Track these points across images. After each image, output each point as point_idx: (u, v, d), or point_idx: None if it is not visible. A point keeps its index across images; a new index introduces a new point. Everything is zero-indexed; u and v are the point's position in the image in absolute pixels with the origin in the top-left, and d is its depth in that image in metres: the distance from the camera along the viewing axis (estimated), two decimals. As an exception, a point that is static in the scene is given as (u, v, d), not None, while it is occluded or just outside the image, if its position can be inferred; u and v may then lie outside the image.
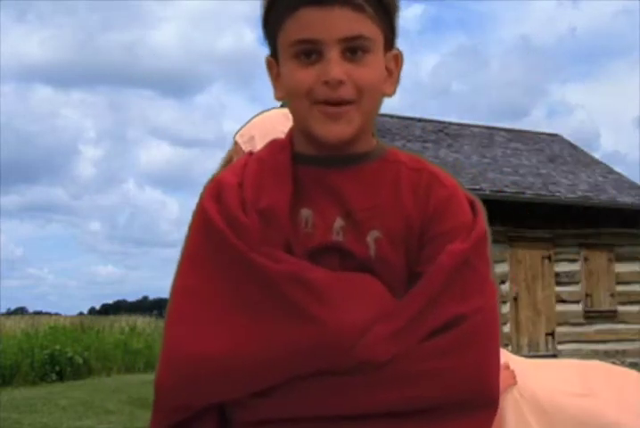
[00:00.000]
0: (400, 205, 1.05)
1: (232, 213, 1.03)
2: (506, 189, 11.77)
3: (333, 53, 1.01)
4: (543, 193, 11.90)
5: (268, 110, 2.38)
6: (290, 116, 2.31)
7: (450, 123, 14.91)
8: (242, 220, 1.02)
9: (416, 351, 0.95)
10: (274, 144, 1.15)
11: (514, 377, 2.04)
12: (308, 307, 0.95)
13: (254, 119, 2.18)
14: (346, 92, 1.02)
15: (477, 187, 11.48)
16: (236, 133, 2.12)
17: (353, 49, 1.02)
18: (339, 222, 1.04)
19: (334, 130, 1.03)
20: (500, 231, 11.45)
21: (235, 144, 2.14)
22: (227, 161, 2.20)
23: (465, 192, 1.12)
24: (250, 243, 1.00)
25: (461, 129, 14.64)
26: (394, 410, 0.96)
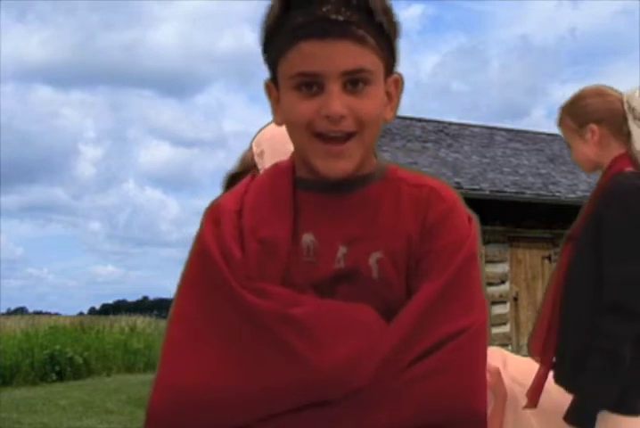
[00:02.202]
0: (401, 223, 1.05)
1: (226, 244, 1.03)
2: (506, 189, 11.76)
3: (335, 87, 1.00)
4: (543, 193, 11.89)
5: None
6: None
7: (450, 123, 14.89)
8: (233, 252, 1.02)
9: (406, 373, 0.95)
10: (276, 169, 1.14)
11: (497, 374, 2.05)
12: (293, 344, 0.95)
13: (268, 126, 2.14)
14: (347, 126, 1.01)
15: (477, 187, 11.47)
16: (256, 135, 2.03)
17: (354, 81, 1.01)
18: (342, 250, 1.04)
19: (336, 167, 1.03)
20: (500, 231, 11.45)
21: (250, 149, 2.09)
22: (242, 161, 2.16)
23: (464, 207, 1.11)
24: (239, 277, 1.00)
25: (461, 129, 14.63)
26: None
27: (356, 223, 1.05)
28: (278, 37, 1.03)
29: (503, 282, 11.56)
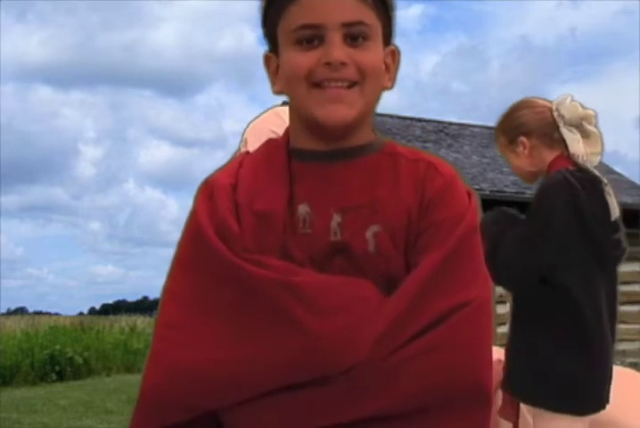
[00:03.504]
0: (400, 198, 1.03)
1: (222, 218, 1.02)
2: (506, 189, 11.77)
3: (336, 37, 1.01)
4: (543, 193, 11.90)
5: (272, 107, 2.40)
6: (281, 113, 2.36)
7: (450, 123, 14.90)
8: (230, 225, 1.01)
9: (404, 350, 0.93)
10: (269, 144, 1.14)
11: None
12: (295, 313, 0.94)
13: (254, 120, 2.19)
14: (348, 73, 1.02)
15: (477, 187, 11.47)
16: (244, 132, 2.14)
17: (354, 35, 1.02)
18: (336, 219, 1.03)
19: (336, 113, 1.02)
20: (500, 231, 11.44)
21: (239, 149, 2.16)
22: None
23: (463, 182, 1.12)
24: (238, 249, 0.99)
25: (461, 129, 14.63)
26: (386, 413, 0.94)
27: (352, 192, 1.04)
28: None
29: (503, 282, 11.56)
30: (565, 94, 2.05)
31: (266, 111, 2.45)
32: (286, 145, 1.10)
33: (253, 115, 2.36)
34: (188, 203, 1.12)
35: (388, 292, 0.98)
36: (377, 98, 1.08)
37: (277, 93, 1.11)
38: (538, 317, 1.91)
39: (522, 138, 2.05)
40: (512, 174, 12.65)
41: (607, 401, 1.89)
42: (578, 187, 1.90)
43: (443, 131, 14.17)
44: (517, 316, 2.00)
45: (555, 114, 2.00)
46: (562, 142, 2.00)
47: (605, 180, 1.98)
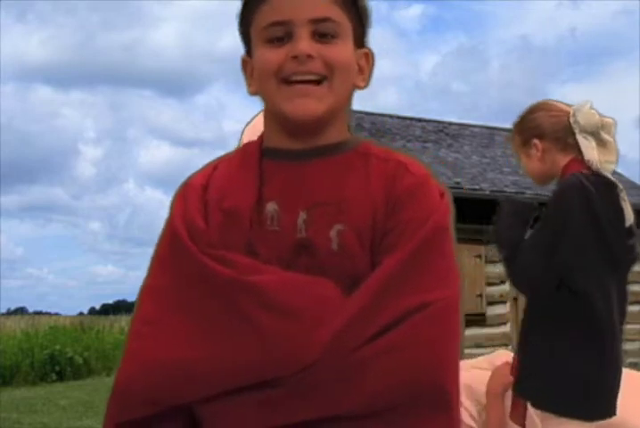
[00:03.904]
0: (368, 197, 1.03)
1: (189, 215, 1.04)
2: (506, 189, 11.76)
3: (303, 33, 1.03)
4: (543, 193, 11.88)
5: None
6: None
7: (450, 123, 14.89)
8: (196, 222, 1.03)
9: (365, 348, 0.93)
10: (245, 146, 1.16)
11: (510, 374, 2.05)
12: (252, 313, 0.94)
13: (249, 123, 2.24)
14: (315, 67, 1.03)
15: (477, 187, 11.47)
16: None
17: (322, 32, 1.05)
18: (302, 216, 1.03)
19: (304, 107, 1.03)
20: (500, 231, 11.44)
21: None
22: None
23: (437, 182, 1.10)
24: (202, 245, 1.00)
25: (461, 129, 14.63)
26: (348, 413, 0.94)
27: (319, 190, 1.04)
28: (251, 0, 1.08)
29: (503, 282, 11.55)
30: (585, 100, 2.03)
31: (260, 111, 2.46)
32: (260, 146, 1.12)
33: (253, 115, 2.38)
34: (188, 203, 1.14)
35: (352, 291, 0.97)
36: (348, 96, 1.09)
37: (252, 93, 1.12)
38: (554, 320, 1.90)
39: (536, 141, 2.05)
40: (512, 174, 12.64)
41: (615, 408, 1.89)
42: (592, 191, 1.89)
43: (443, 131, 14.17)
44: (532, 319, 1.99)
45: (572, 120, 2.00)
46: (576, 147, 2.00)
47: (621, 186, 1.97)
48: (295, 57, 1.03)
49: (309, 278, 0.99)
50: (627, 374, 2.00)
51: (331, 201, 1.03)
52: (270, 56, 1.04)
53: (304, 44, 1.03)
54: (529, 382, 1.93)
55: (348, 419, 0.94)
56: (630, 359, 12.31)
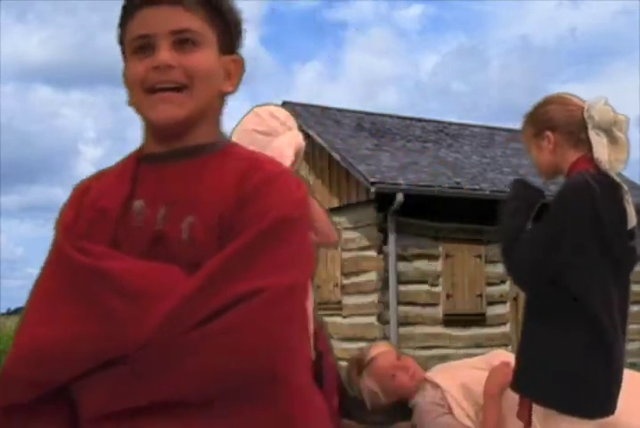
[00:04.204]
0: (220, 193, 1.10)
1: (65, 214, 1.18)
2: (506, 189, 11.72)
3: (164, 44, 1.12)
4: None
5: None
6: (260, 112, 2.49)
7: (450, 123, 14.89)
8: (66, 218, 1.16)
9: (197, 331, 0.98)
10: (130, 154, 1.24)
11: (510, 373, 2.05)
12: (102, 296, 1.02)
13: (237, 125, 2.31)
14: (175, 75, 1.12)
15: (477, 187, 11.47)
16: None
17: (182, 42, 1.13)
18: (161, 212, 1.12)
19: (165, 113, 1.12)
20: (500, 231, 11.42)
21: None
22: None
23: (294, 178, 1.15)
24: (72, 239, 1.10)
25: (461, 129, 14.62)
26: (181, 396, 0.99)
27: (178, 188, 1.13)
28: (122, 15, 1.17)
29: (503, 282, 11.55)
30: (599, 96, 2.02)
31: (248, 113, 2.48)
32: (140, 151, 1.21)
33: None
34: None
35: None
36: (212, 101, 1.17)
37: (130, 104, 1.20)
38: (555, 318, 1.90)
39: (548, 133, 2.03)
40: (512, 174, 12.62)
41: (615, 405, 1.89)
42: (597, 190, 1.88)
43: (443, 131, 14.16)
44: (532, 317, 1.99)
45: (586, 115, 1.98)
46: (588, 143, 1.98)
47: (626, 187, 1.97)
48: (156, 67, 1.11)
49: (157, 265, 1.06)
50: (627, 374, 2.00)
51: (187, 198, 1.11)
52: (135, 68, 1.13)
53: (164, 54, 1.11)
54: (530, 380, 1.93)
55: (181, 406, 1.00)
56: (630, 359, 12.29)
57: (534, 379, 1.93)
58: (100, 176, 1.22)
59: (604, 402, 1.89)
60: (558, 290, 1.88)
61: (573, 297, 1.87)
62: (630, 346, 12.66)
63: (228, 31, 1.18)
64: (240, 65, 1.21)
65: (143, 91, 1.13)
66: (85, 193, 1.19)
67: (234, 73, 1.20)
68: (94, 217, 1.14)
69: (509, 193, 2.08)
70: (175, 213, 1.10)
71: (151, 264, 1.06)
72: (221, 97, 1.19)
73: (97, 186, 1.19)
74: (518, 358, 1.99)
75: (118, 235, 1.11)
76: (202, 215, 1.09)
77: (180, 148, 1.15)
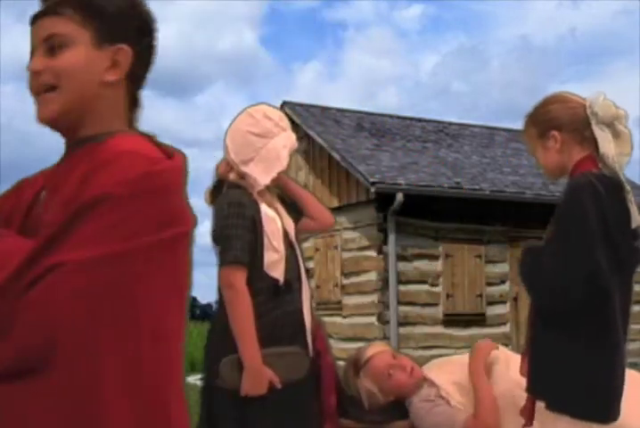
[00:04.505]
0: (76, 176, 1.16)
1: None
2: (506, 189, 11.76)
3: (39, 51, 1.24)
4: (543, 193, 11.89)
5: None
6: (253, 113, 2.46)
7: (450, 123, 14.90)
8: None
9: (17, 301, 1.05)
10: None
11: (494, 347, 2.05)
12: None
13: (230, 125, 2.46)
14: (44, 79, 1.22)
15: (477, 187, 11.47)
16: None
17: (51, 47, 1.23)
18: (42, 195, 1.25)
19: (41, 113, 1.24)
20: (500, 231, 11.44)
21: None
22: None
23: (142, 156, 1.18)
24: None
25: (461, 129, 14.64)
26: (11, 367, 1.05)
27: (59, 176, 1.23)
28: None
29: (503, 282, 11.56)
30: (598, 92, 2.02)
31: (240, 113, 2.48)
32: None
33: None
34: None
35: None
36: (89, 94, 1.23)
37: None
38: (567, 320, 1.89)
39: (554, 132, 2.02)
40: (511, 174, 12.59)
41: (620, 409, 1.89)
42: (602, 191, 1.88)
43: (443, 131, 14.17)
44: (543, 319, 1.98)
45: (589, 111, 1.98)
46: (593, 140, 1.98)
47: (628, 188, 1.97)
48: (31, 75, 1.24)
49: (16, 238, 1.17)
50: (627, 374, 2.00)
51: (57, 185, 1.21)
52: (29, 77, 1.25)
53: (34, 62, 1.23)
54: (544, 383, 1.92)
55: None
56: (630, 359, 12.28)
57: (547, 382, 1.92)
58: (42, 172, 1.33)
59: (615, 406, 1.89)
60: (584, 293, 1.86)
61: (590, 299, 1.86)
62: (631, 346, 12.67)
63: (106, 25, 1.25)
64: (125, 53, 1.26)
65: (34, 96, 1.25)
66: (19, 187, 1.32)
67: (121, 61, 1.26)
68: (15, 205, 1.27)
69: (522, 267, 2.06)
70: (48, 198, 1.22)
71: (15, 239, 1.16)
72: (108, 87, 1.25)
73: (27, 182, 1.32)
74: (531, 362, 1.98)
75: (27, 223, 1.24)
76: (60, 198, 1.16)
77: (74, 140, 1.26)
